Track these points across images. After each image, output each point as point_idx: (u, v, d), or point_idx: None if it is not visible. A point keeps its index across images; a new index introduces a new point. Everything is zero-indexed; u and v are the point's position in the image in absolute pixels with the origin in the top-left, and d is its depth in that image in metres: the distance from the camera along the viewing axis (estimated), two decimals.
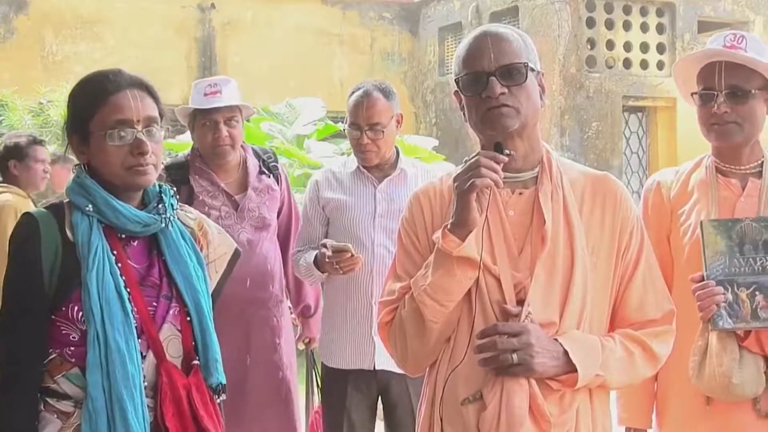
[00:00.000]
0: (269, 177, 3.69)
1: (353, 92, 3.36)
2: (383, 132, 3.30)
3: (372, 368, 3.30)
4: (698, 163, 2.63)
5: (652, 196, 2.63)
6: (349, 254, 3.14)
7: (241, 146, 3.67)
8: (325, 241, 3.27)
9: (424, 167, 3.56)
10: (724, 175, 2.55)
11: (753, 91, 2.46)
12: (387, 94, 3.34)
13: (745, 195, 2.50)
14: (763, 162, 2.54)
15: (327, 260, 3.16)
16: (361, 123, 3.29)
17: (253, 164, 3.67)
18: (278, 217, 3.72)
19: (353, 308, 3.33)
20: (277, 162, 3.80)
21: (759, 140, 2.56)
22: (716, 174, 2.55)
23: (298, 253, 3.46)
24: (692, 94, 2.56)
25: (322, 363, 3.49)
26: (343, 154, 7.54)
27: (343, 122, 3.51)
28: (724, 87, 2.45)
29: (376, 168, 3.39)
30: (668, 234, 2.58)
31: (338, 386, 3.36)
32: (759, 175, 2.52)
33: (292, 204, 3.82)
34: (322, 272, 3.30)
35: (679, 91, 2.66)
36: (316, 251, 3.30)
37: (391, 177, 3.38)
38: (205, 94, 3.52)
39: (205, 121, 3.53)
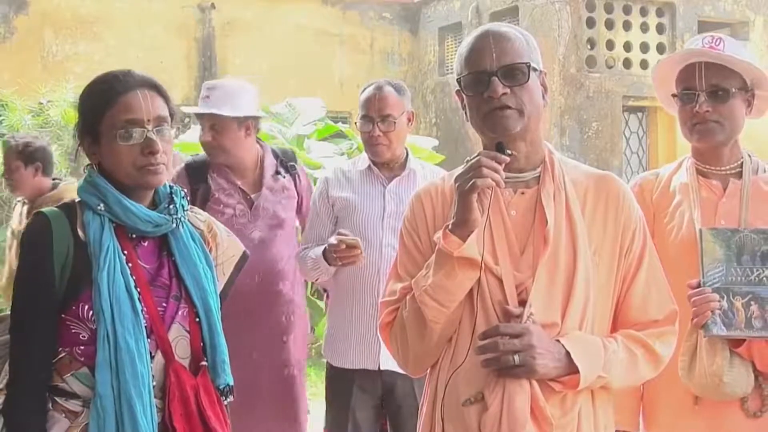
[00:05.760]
0: (285, 177, 3.70)
1: (365, 89, 3.41)
2: (394, 124, 3.32)
3: (377, 368, 3.30)
4: (678, 165, 2.64)
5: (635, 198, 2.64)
6: (359, 251, 3.15)
7: (260, 145, 3.71)
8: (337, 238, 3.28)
9: (432, 168, 3.57)
10: (705, 177, 2.56)
11: (733, 90, 2.48)
12: (398, 89, 3.40)
13: (726, 196, 2.52)
14: (742, 163, 2.55)
15: (334, 254, 3.17)
16: (372, 114, 3.32)
17: (269, 163, 3.68)
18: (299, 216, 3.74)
19: (360, 308, 3.33)
20: (295, 162, 3.81)
21: (738, 141, 2.58)
22: (697, 176, 2.56)
23: (304, 250, 3.45)
24: (672, 96, 2.57)
25: (327, 362, 3.49)
26: (343, 154, 7.52)
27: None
28: (705, 87, 2.47)
29: (385, 168, 3.40)
30: (651, 236, 2.58)
31: (343, 386, 3.36)
32: (739, 176, 2.54)
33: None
34: (330, 265, 3.30)
35: (657, 94, 2.67)
36: (324, 246, 3.30)
37: (400, 177, 3.40)
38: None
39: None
